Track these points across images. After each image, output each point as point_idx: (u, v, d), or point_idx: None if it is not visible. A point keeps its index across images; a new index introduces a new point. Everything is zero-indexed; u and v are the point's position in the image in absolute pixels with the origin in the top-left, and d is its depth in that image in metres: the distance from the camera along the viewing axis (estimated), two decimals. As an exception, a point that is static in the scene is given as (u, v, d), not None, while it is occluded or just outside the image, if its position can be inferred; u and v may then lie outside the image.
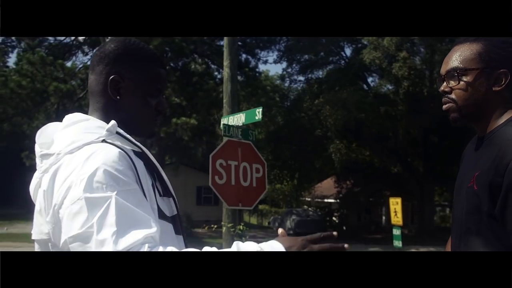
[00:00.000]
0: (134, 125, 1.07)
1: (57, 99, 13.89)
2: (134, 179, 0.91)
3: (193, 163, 23.43)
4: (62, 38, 18.05)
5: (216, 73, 18.80)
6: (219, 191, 4.20)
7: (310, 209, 25.44)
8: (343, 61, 22.56)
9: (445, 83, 1.26)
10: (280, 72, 24.63)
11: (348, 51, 23.23)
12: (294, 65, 23.14)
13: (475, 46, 1.22)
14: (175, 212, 1.05)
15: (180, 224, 1.07)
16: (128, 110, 1.06)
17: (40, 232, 0.96)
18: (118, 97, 1.05)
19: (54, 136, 1.01)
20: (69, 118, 1.03)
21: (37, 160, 1.01)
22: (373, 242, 18.38)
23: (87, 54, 19.14)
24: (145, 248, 0.81)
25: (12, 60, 29.68)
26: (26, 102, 13.59)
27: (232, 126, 4.52)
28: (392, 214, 8.33)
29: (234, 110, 6.14)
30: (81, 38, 18.54)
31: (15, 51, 25.71)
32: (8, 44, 26.63)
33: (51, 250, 0.95)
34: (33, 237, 1.00)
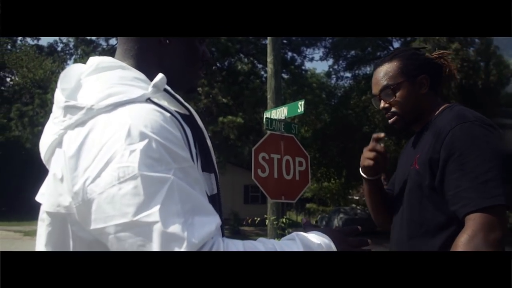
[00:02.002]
0: (178, 76, 0.91)
1: (110, 101, 14.53)
2: (188, 152, 0.75)
3: (240, 162, 23.68)
4: (114, 42, 18.82)
5: (262, 72, 18.91)
6: (262, 184, 4.23)
7: (358, 207, 24.99)
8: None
9: (382, 102, 1.49)
10: (326, 69, 24.36)
11: (396, 45, 22.57)
12: (340, 61, 22.82)
13: (394, 63, 1.46)
14: (215, 191, 0.87)
15: (219, 203, 0.89)
16: (173, 57, 0.91)
17: (57, 204, 0.75)
18: (167, 41, 0.89)
19: (79, 81, 0.81)
20: (98, 61, 0.83)
21: (57, 110, 0.79)
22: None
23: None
24: (219, 243, 0.70)
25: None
26: (81, 105, 14.33)
27: (275, 119, 4.55)
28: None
29: (278, 106, 6.20)
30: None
31: (73, 57, 27.11)
32: (67, 52, 28.15)
33: (68, 229, 0.75)
34: (44, 208, 0.79)
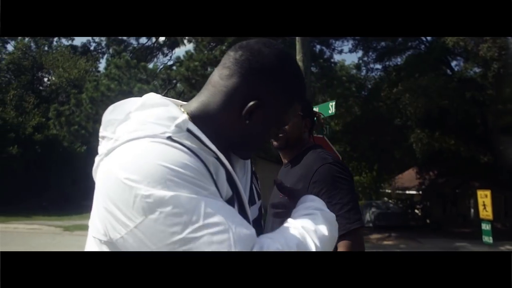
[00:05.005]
0: (237, 147, 0.91)
1: (142, 99, 14.86)
2: (210, 181, 0.75)
3: (270, 157, 23.73)
4: (145, 41, 19.19)
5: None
6: (292, 185, 4.25)
7: (390, 201, 24.63)
8: (423, 46, 21.39)
9: None
10: (356, 61, 24.00)
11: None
12: (370, 53, 22.41)
13: None
14: (256, 215, 0.94)
15: (262, 224, 0.95)
16: (243, 134, 0.88)
17: (102, 233, 0.76)
18: (247, 122, 0.86)
19: (128, 114, 0.84)
20: (147, 99, 0.86)
21: (99, 138, 0.85)
22: (460, 237, 17.34)
23: (166, 55, 20.21)
24: (265, 243, 0.74)
25: (102, 65, 32.24)
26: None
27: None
28: (481, 208, 7.79)
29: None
30: (161, 40, 19.59)
31: (105, 57, 27.80)
32: (99, 50, 28.90)
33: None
34: (89, 233, 0.81)
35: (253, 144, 0.91)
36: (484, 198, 7.76)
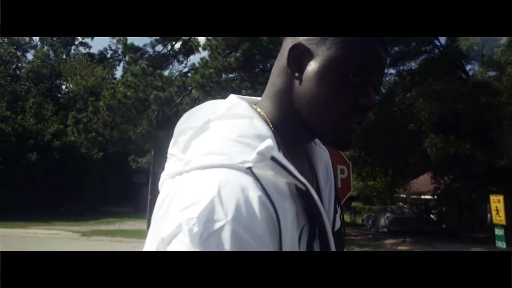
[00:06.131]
0: (314, 124, 0.74)
1: (157, 106, 15.10)
2: (269, 240, 0.61)
3: (284, 162, 23.78)
4: (160, 49, 19.52)
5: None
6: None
7: (405, 206, 24.47)
8: (437, 50, 21.32)
9: None
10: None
11: (442, 39, 21.89)
12: (384, 58, 22.42)
13: None
14: (339, 224, 0.87)
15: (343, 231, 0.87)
16: (307, 98, 0.73)
17: None
18: (297, 74, 0.74)
19: (208, 122, 0.73)
20: (230, 105, 0.75)
21: (168, 155, 0.77)
22: (476, 242, 17.17)
23: (181, 62, 20.51)
24: None
25: (118, 72, 32.80)
26: (131, 111, 14.98)
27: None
28: (494, 213, 7.82)
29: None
30: (176, 47, 19.91)
31: (121, 64, 28.30)
32: (116, 58, 29.47)
33: None
34: None
35: (328, 115, 0.73)
36: (497, 203, 7.79)
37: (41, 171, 23.46)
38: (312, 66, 0.73)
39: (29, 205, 22.41)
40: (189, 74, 17.43)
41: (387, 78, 23.61)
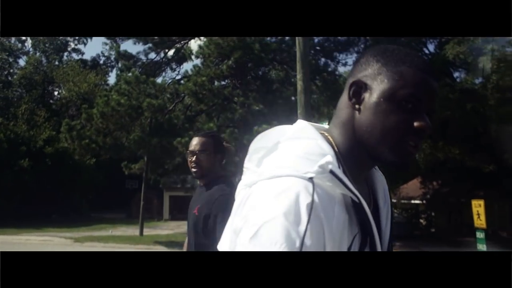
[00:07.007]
0: (374, 148, 0.83)
1: (150, 113, 15.26)
2: (321, 242, 0.72)
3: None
4: (153, 56, 19.69)
5: (293, 79, 19.24)
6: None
7: (395, 210, 24.76)
8: (425, 58, 21.72)
9: (194, 157, 2.41)
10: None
11: (431, 47, 22.28)
12: (374, 65, 22.80)
13: (209, 139, 2.44)
14: (388, 240, 0.93)
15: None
16: (366, 126, 0.83)
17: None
18: (357, 106, 0.84)
19: (277, 143, 0.84)
20: (298, 129, 0.85)
21: (244, 168, 0.88)
22: (464, 246, 17.50)
23: (174, 70, 20.69)
24: None
25: (111, 79, 32.83)
26: (124, 118, 15.11)
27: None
28: (475, 217, 8.11)
29: (308, 121, 6.49)
30: (169, 55, 20.10)
31: (114, 70, 28.39)
32: (108, 64, 29.56)
33: None
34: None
35: (381, 138, 0.82)
36: (478, 207, 8.08)
37: (33, 178, 23.42)
38: (369, 98, 0.83)
39: (21, 212, 22.35)
40: (182, 82, 17.62)
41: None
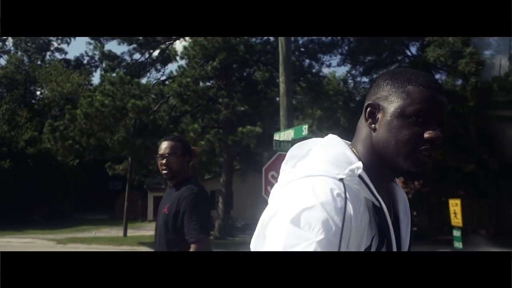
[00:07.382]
0: (390, 160, 0.92)
1: (135, 114, 15.21)
2: (348, 235, 0.81)
3: (260, 168, 24.05)
4: (138, 57, 19.61)
5: (278, 80, 19.34)
6: (272, 200, 4.73)
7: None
8: (408, 60, 22.12)
9: (165, 160, 2.57)
10: (343, 74, 24.61)
11: (413, 49, 22.68)
12: (358, 66, 23.11)
13: (178, 143, 2.61)
14: (408, 245, 1.02)
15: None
16: (383, 142, 0.93)
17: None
18: (373, 125, 0.95)
19: (309, 151, 0.95)
20: (328, 139, 0.98)
21: (281, 170, 0.97)
22: (444, 243, 17.84)
23: (159, 70, 20.64)
24: None
25: (95, 79, 32.46)
26: (108, 119, 15.04)
27: (283, 141, 5.06)
28: (452, 216, 8.37)
29: (290, 123, 6.60)
30: (154, 56, 20.05)
31: (98, 70, 28.12)
32: (92, 64, 29.25)
33: None
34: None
35: (396, 151, 0.91)
36: (455, 206, 8.33)
37: (14, 179, 23.06)
38: (383, 117, 0.93)
39: (2, 213, 21.98)
40: (167, 83, 17.59)
41: (361, 86, 24.32)
